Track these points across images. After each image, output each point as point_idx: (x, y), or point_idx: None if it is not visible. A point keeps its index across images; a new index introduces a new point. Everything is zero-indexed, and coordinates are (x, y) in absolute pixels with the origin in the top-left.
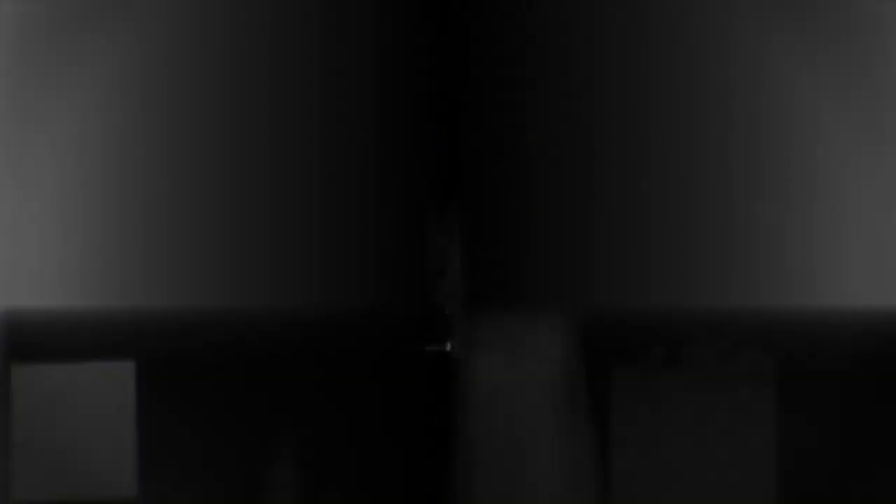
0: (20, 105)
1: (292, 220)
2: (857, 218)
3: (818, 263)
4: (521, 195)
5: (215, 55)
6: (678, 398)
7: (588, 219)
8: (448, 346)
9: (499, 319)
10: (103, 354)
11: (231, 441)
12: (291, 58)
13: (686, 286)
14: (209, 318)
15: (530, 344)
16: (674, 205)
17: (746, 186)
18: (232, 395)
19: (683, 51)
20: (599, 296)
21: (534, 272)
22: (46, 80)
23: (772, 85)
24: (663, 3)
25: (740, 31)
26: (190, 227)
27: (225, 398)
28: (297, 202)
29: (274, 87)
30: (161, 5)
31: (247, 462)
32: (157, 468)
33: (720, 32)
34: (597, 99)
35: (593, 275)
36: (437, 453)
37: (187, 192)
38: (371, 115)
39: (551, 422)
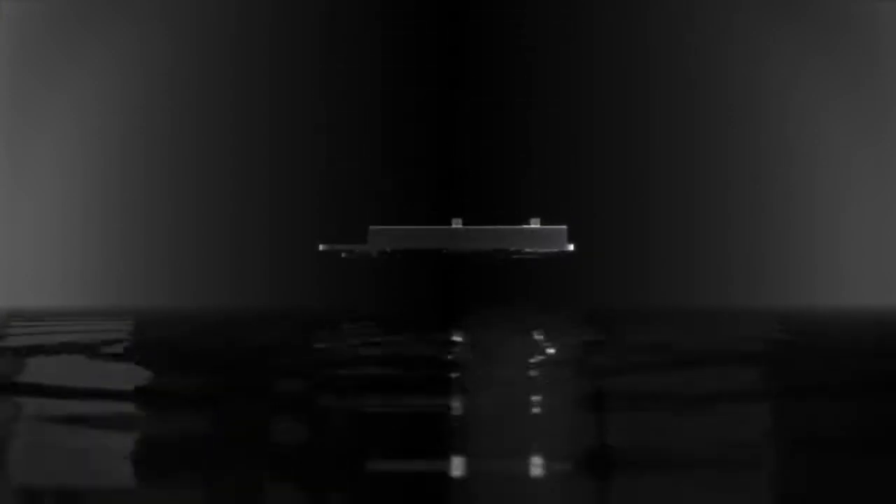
0: (20, 105)
1: (291, 225)
2: (857, 218)
3: (818, 263)
4: (522, 196)
5: (216, 56)
6: (676, 396)
7: (591, 221)
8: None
9: (501, 319)
10: (103, 351)
11: (229, 435)
12: (291, 61)
13: (686, 286)
14: (208, 317)
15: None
16: (674, 206)
17: (748, 187)
18: (228, 389)
19: (684, 52)
20: (599, 296)
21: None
22: (46, 80)
23: (772, 85)
24: (663, 4)
25: (740, 31)
26: (189, 227)
27: (221, 391)
28: (297, 207)
29: (274, 90)
30: (161, 6)
31: (242, 457)
32: (155, 464)
33: (720, 33)
34: (597, 101)
35: (593, 275)
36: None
37: (186, 192)
38: (374, 118)
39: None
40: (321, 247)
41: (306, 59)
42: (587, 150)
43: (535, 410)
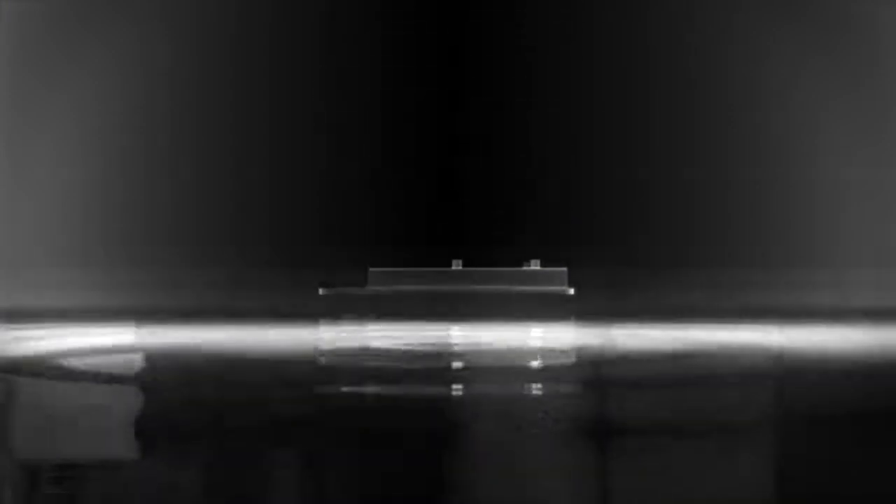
0: (20, 105)
1: (291, 224)
2: (857, 218)
3: (818, 263)
4: (524, 197)
5: (216, 56)
6: (675, 396)
7: (590, 221)
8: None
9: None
10: (104, 349)
11: (226, 428)
12: (291, 61)
13: (686, 286)
14: (207, 314)
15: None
16: (674, 205)
17: (748, 187)
18: (226, 386)
19: (684, 52)
20: (600, 296)
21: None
22: (46, 80)
23: (772, 85)
24: (663, 4)
25: (740, 31)
26: (189, 227)
27: (220, 388)
28: (297, 207)
29: (274, 90)
30: (161, 6)
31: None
32: (154, 455)
33: (720, 33)
34: (597, 100)
35: (593, 274)
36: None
37: (186, 193)
38: (374, 120)
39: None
40: (320, 291)
41: (306, 59)
42: (587, 151)
43: (536, 394)
